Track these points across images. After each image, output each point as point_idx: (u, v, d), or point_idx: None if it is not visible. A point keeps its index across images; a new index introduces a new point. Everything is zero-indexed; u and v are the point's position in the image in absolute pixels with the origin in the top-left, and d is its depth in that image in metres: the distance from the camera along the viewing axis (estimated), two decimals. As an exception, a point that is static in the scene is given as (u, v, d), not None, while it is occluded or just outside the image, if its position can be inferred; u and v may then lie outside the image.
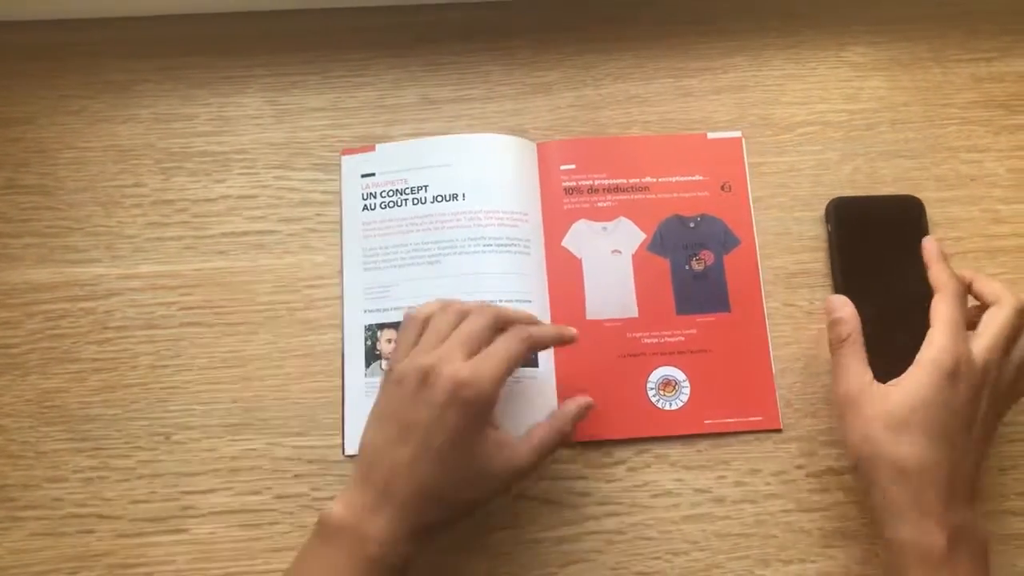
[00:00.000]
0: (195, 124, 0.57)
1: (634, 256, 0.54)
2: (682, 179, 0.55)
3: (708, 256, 0.54)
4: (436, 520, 0.42)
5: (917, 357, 0.43)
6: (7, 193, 0.55)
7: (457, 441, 0.41)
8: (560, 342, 0.47)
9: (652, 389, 0.51)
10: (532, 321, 0.47)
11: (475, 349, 0.43)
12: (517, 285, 0.52)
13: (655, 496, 0.50)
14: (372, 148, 0.56)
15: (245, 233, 0.55)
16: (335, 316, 0.53)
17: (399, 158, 0.55)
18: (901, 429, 0.41)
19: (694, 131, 0.57)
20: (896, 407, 0.42)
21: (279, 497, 0.50)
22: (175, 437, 0.51)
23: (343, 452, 0.50)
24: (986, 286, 0.46)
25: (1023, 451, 0.51)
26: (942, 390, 0.41)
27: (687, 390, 0.51)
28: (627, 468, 0.50)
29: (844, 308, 0.46)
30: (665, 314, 0.53)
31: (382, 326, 0.52)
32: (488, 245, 0.52)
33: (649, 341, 0.52)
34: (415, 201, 0.54)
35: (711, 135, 0.56)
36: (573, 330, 0.48)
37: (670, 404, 0.51)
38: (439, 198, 0.54)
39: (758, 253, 0.54)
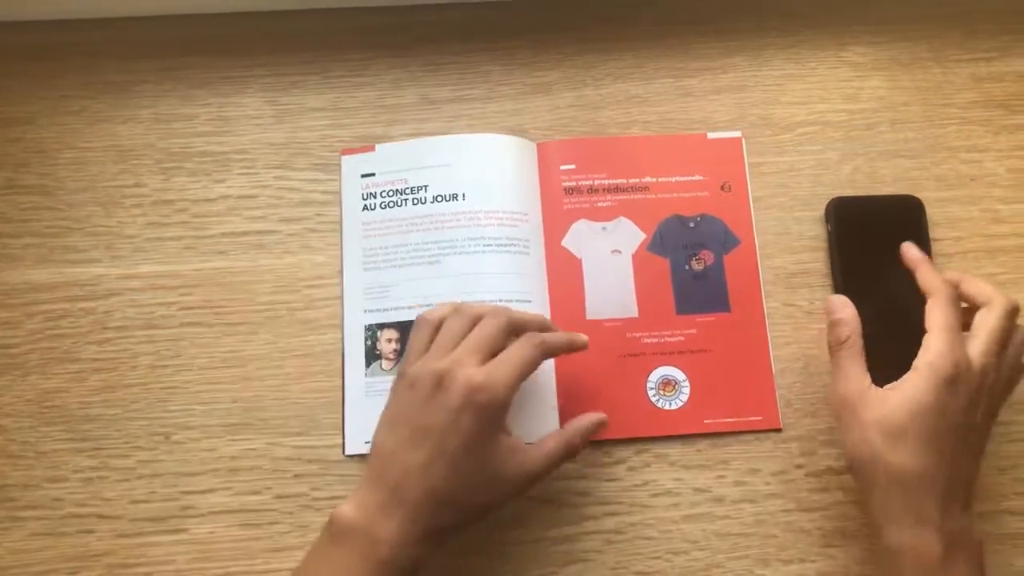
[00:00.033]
0: (195, 124, 0.57)
1: (634, 256, 0.54)
2: (682, 179, 0.55)
3: (708, 256, 0.54)
4: (448, 524, 0.42)
5: (915, 362, 0.43)
6: (7, 193, 0.55)
7: (471, 445, 0.41)
8: (571, 349, 0.48)
9: (652, 389, 0.52)
10: (545, 325, 0.48)
11: (489, 354, 0.44)
12: (517, 285, 0.52)
13: (655, 496, 0.50)
14: (372, 148, 0.56)
15: (245, 233, 0.55)
16: (335, 316, 0.53)
17: (399, 158, 0.55)
18: (899, 436, 0.41)
19: (694, 131, 0.57)
20: (894, 413, 0.42)
21: (279, 497, 0.50)
22: (175, 437, 0.51)
23: (343, 452, 0.50)
24: (974, 287, 0.46)
25: (1022, 451, 0.51)
26: (940, 396, 0.41)
27: (687, 390, 0.51)
28: (627, 468, 0.50)
29: (844, 309, 0.46)
30: (665, 314, 0.53)
31: (382, 326, 0.52)
32: (488, 245, 0.52)
33: (649, 341, 0.52)
34: (415, 201, 0.54)
35: (711, 135, 0.56)
36: (584, 337, 0.48)
37: (670, 404, 0.51)
38: (439, 198, 0.54)
39: (758, 253, 0.54)
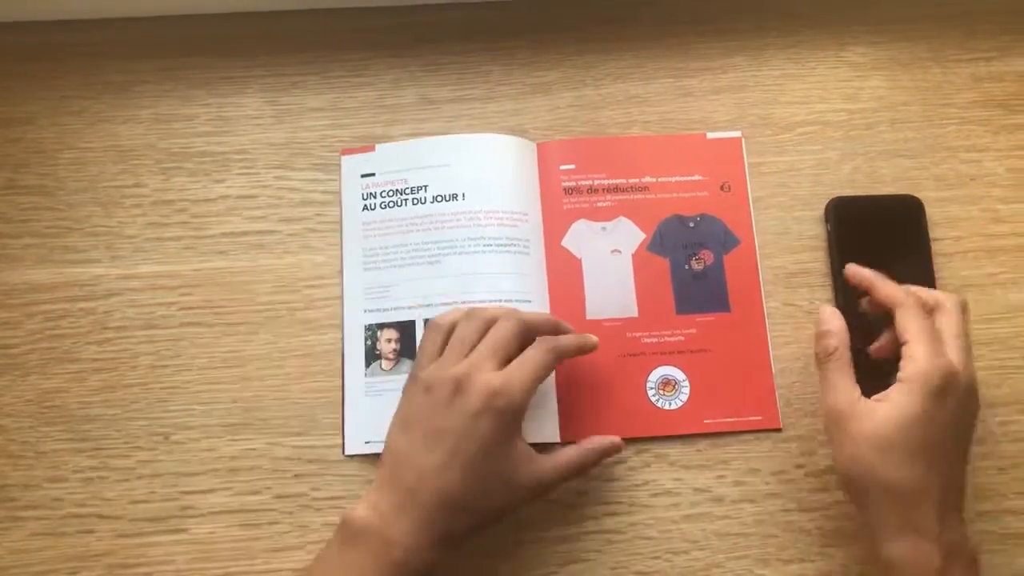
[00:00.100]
0: (195, 124, 0.57)
1: (634, 256, 0.54)
2: (682, 179, 0.55)
3: (708, 256, 0.54)
4: (461, 527, 0.42)
5: (900, 374, 0.42)
6: (7, 193, 0.55)
7: (488, 449, 0.42)
8: (582, 352, 0.48)
9: (652, 389, 0.52)
10: (557, 326, 0.48)
11: (505, 358, 0.44)
12: (517, 285, 0.52)
13: (655, 495, 0.50)
14: (372, 148, 0.56)
15: (245, 233, 0.55)
16: (335, 316, 0.53)
17: (399, 158, 0.55)
18: (889, 449, 0.40)
19: (694, 131, 0.57)
20: (883, 426, 0.41)
21: (279, 497, 0.50)
22: (175, 437, 0.51)
23: (343, 452, 0.50)
24: (922, 294, 0.46)
25: (1022, 451, 0.51)
26: (929, 407, 0.40)
27: (687, 390, 0.51)
28: (627, 467, 0.50)
29: (832, 321, 0.45)
30: (665, 314, 0.53)
31: (382, 326, 0.52)
32: (488, 245, 0.52)
33: (649, 341, 0.52)
34: (415, 201, 0.54)
35: (711, 135, 0.56)
36: (595, 339, 0.49)
37: (670, 404, 0.51)
38: (439, 198, 0.54)
39: (758, 253, 0.54)
